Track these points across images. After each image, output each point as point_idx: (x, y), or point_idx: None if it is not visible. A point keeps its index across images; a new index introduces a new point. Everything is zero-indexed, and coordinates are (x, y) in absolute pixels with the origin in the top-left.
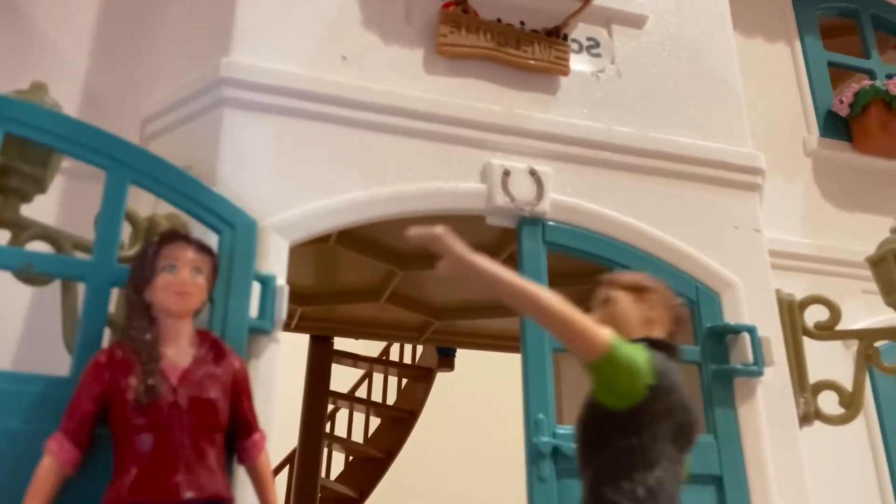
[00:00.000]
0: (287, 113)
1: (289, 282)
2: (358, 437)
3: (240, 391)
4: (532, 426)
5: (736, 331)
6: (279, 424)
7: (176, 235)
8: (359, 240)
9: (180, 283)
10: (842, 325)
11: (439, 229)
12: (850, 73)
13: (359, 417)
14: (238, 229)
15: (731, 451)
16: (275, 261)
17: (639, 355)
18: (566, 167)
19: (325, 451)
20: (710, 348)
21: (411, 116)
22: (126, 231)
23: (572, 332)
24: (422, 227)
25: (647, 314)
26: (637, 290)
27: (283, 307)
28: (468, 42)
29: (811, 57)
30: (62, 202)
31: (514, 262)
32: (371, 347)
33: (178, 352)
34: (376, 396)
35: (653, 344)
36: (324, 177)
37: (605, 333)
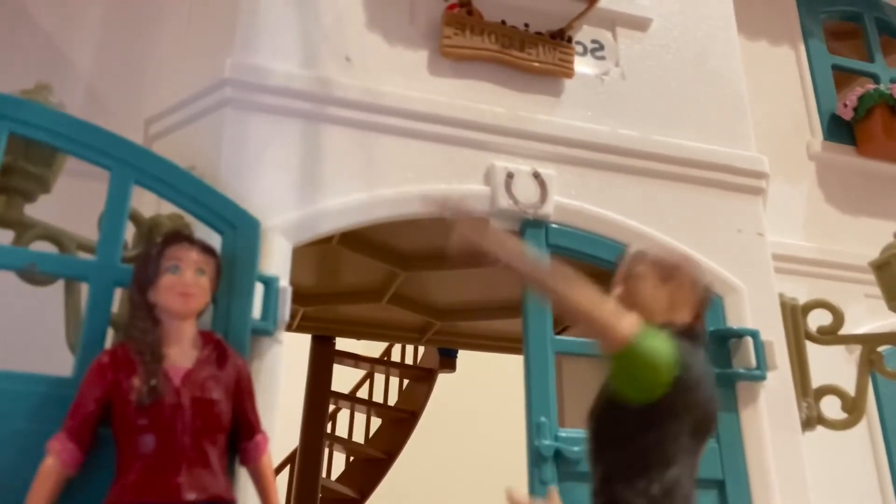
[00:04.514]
0: (291, 114)
1: (291, 282)
2: (359, 437)
3: (242, 393)
4: (534, 429)
5: (739, 335)
6: (280, 424)
7: (180, 236)
8: (361, 240)
9: (184, 284)
10: (845, 330)
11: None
12: (854, 77)
13: (360, 418)
14: (241, 230)
15: (734, 456)
16: (278, 262)
17: (664, 347)
18: (570, 170)
19: (326, 451)
20: (713, 352)
21: (415, 118)
22: (130, 231)
23: (594, 320)
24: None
25: (674, 296)
26: (665, 269)
27: (285, 309)
28: (472, 44)
29: (815, 60)
30: (66, 202)
31: None
32: (372, 348)
33: (181, 353)
34: (377, 397)
35: (678, 332)
36: (327, 178)
37: (630, 323)
